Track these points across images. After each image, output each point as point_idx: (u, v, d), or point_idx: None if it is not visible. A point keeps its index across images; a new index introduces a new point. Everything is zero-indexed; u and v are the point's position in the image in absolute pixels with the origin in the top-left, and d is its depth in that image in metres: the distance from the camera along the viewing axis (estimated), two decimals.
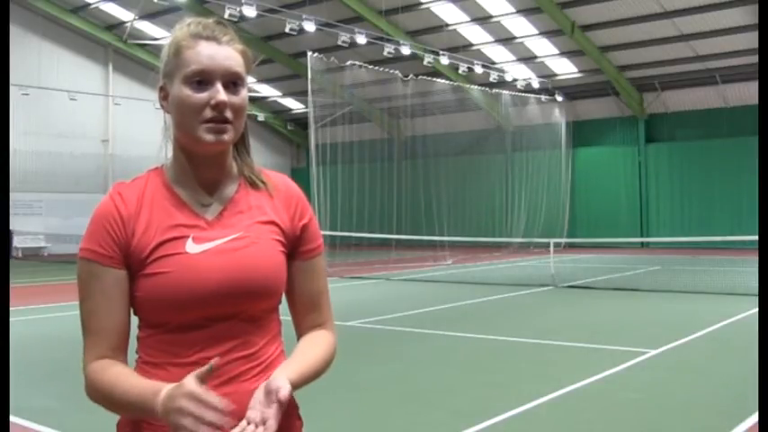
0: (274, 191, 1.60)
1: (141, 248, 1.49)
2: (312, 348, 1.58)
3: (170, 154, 1.59)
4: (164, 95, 1.54)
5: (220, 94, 1.47)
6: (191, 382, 1.30)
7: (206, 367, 1.32)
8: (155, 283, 1.47)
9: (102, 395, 1.45)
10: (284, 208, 1.60)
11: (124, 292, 1.50)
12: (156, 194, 1.54)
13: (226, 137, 1.48)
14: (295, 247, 1.61)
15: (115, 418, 1.59)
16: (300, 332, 1.65)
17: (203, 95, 1.47)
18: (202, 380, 1.31)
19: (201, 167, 1.54)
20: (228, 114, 1.48)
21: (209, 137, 1.47)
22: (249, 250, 1.51)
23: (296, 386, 1.45)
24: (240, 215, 1.55)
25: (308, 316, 1.64)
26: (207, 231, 1.52)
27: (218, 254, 1.49)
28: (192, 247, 1.49)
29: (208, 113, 1.46)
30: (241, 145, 1.61)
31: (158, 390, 1.35)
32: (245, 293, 1.50)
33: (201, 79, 1.47)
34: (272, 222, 1.57)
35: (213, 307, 1.48)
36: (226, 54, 1.50)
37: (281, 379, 1.40)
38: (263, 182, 1.60)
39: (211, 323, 1.49)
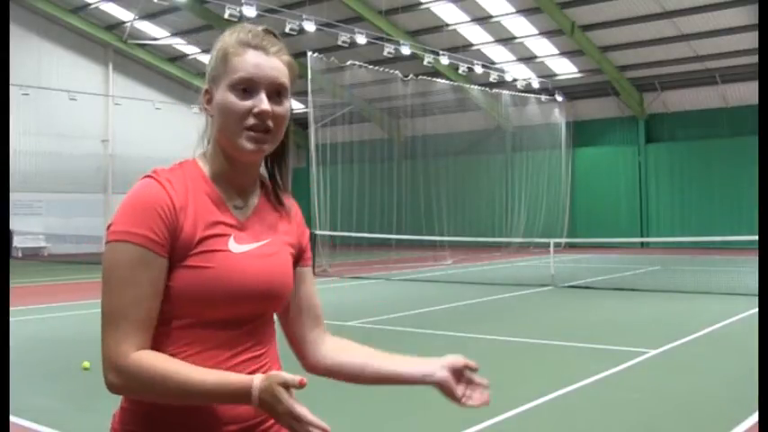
0: (287, 209, 1.69)
1: (188, 241, 1.48)
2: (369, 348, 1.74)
3: (199, 152, 1.61)
4: (207, 99, 1.56)
5: (264, 103, 1.49)
6: (286, 396, 1.36)
7: (294, 380, 1.36)
8: (196, 276, 1.47)
9: (159, 384, 1.40)
10: (294, 223, 1.69)
11: (164, 281, 1.47)
12: (198, 188, 1.54)
13: (265, 146, 1.53)
14: (299, 257, 1.70)
15: None
16: (309, 339, 1.71)
17: (247, 103, 1.50)
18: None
19: (237, 172, 1.58)
20: (270, 124, 1.51)
21: (250, 145, 1.50)
22: (276, 258, 1.59)
23: None
24: (266, 224, 1.61)
25: (315, 322, 1.72)
26: (244, 233, 1.56)
27: (255, 257, 1.55)
28: (234, 246, 1.53)
29: (250, 121, 1.49)
30: (280, 159, 1.66)
31: (249, 378, 1.38)
32: (272, 296, 1.57)
33: (247, 87, 1.50)
34: (287, 233, 1.65)
35: (244, 306, 1.52)
36: (272, 65, 1.52)
37: (446, 360, 1.63)
38: (282, 202, 1.66)
39: (238, 321, 1.53)
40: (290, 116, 1.57)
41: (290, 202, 1.70)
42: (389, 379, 1.68)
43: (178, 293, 1.47)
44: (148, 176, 1.51)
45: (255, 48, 1.52)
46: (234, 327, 1.52)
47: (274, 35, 1.57)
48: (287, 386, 1.34)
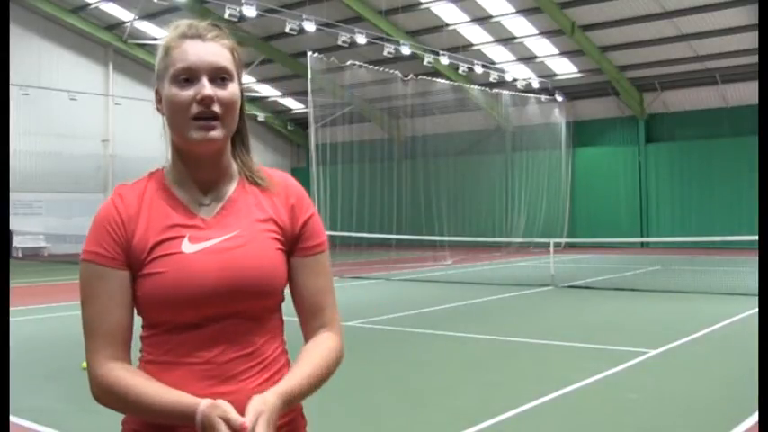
0: (273, 188, 1.60)
1: (140, 249, 1.50)
2: (310, 358, 1.55)
3: (170, 157, 1.59)
4: (158, 98, 1.55)
5: (205, 88, 1.48)
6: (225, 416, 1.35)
7: (237, 421, 1.35)
8: (152, 283, 1.48)
9: (121, 398, 1.46)
10: (283, 205, 1.60)
11: (128, 293, 1.51)
12: (155, 196, 1.55)
13: (214, 133, 1.49)
14: (294, 243, 1.60)
15: (116, 419, 1.59)
16: (306, 331, 1.64)
17: (190, 92, 1.48)
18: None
19: (198, 168, 1.55)
20: (216, 109, 1.48)
21: (198, 134, 1.48)
22: (245, 249, 1.52)
23: (290, 400, 1.47)
24: (237, 214, 1.56)
25: (311, 315, 1.63)
26: (203, 231, 1.53)
27: (213, 253, 1.50)
28: (187, 246, 1.50)
29: (195, 109, 1.48)
30: (240, 144, 1.62)
31: (195, 403, 1.39)
32: (240, 292, 1.50)
33: (188, 77, 1.49)
34: (270, 220, 1.57)
35: (209, 306, 1.49)
36: (211, 50, 1.51)
37: (267, 399, 1.41)
38: (261, 179, 1.60)
39: (209, 322, 1.49)
40: (240, 100, 1.53)
41: (283, 184, 1.63)
42: None
43: (144, 302, 1.50)
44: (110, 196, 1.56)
45: (192, 37, 1.52)
46: (209, 328, 1.49)
47: (217, 26, 1.56)
48: (228, 422, 1.34)
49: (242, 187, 1.59)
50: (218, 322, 1.50)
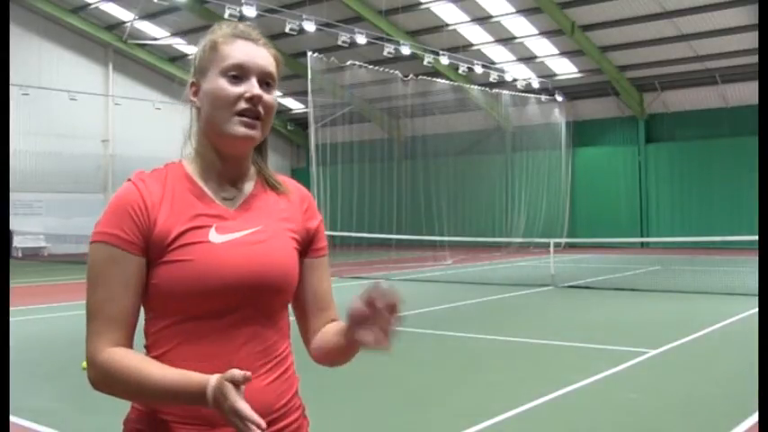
0: (288, 192, 1.65)
1: (163, 236, 1.48)
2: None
3: (186, 151, 1.60)
4: (194, 91, 1.56)
5: (256, 87, 1.51)
6: (234, 395, 1.30)
7: (242, 374, 1.31)
8: (176, 271, 1.47)
9: (123, 380, 1.41)
10: (298, 208, 1.64)
11: (142, 280, 1.49)
12: (178, 185, 1.55)
13: (255, 132, 1.52)
14: (307, 245, 1.65)
15: (117, 419, 1.59)
16: (312, 329, 1.66)
17: (239, 88, 1.51)
18: (238, 386, 1.31)
19: (224, 163, 1.57)
20: (261, 110, 1.52)
21: (241, 129, 1.50)
22: (269, 244, 1.54)
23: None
24: (259, 210, 1.58)
25: (320, 312, 1.67)
26: (229, 222, 1.54)
27: (240, 245, 1.51)
28: (215, 236, 1.50)
29: (242, 105, 1.50)
30: (260, 150, 1.65)
31: (206, 378, 1.34)
32: (263, 286, 1.51)
33: (238, 74, 1.51)
34: (288, 220, 1.61)
35: (232, 298, 1.49)
36: (262, 54, 1.55)
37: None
38: (278, 183, 1.64)
39: (228, 314, 1.49)
40: (276, 107, 1.57)
41: (295, 189, 1.68)
42: (345, 346, 1.58)
43: (162, 290, 1.48)
44: (128, 180, 1.54)
45: (245, 38, 1.55)
46: (225, 321, 1.49)
47: (259, 31, 1.60)
48: (236, 383, 1.30)
49: (260, 187, 1.62)
50: (237, 315, 1.50)
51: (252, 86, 1.51)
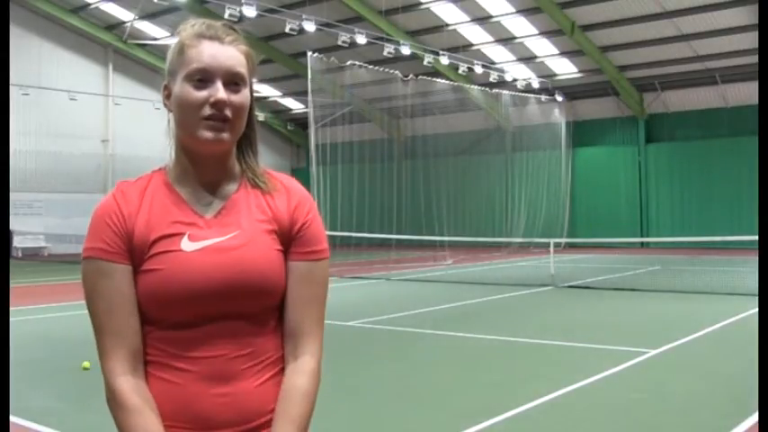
0: (275, 191, 1.60)
1: (141, 245, 1.49)
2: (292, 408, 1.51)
3: (173, 154, 1.59)
4: (167, 94, 1.55)
5: (220, 92, 1.48)
6: None
7: None
8: (150, 280, 1.48)
9: (120, 421, 1.46)
10: (284, 206, 1.59)
11: (133, 287, 1.50)
12: (157, 193, 1.55)
13: (224, 135, 1.49)
14: (288, 246, 1.58)
15: None
16: (285, 351, 1.57)
17: (203, 93, 1.48)
18: None
19: (203, 168, 1.55)
20: (228, 113, 1.48)
21: (208, 134, 1.48)
22: (244, 249, 1.51)
23: None
24: (238, 214, 1.55)
25: (289, 321, 1.56)
26: (204, 230, 1.52)
27: (212, 252, 1.50)
28: (187, 244, 1.50)
29: (207, 111, 1.47)
30: (247, 146, 1.62)
31: None
32: (239, 292, 1.49)
33: (202, 78, 1.49)
34: (270, 221, 1.56)
35: (206, 305, 1.48)
36: (228, 54, 1.51)
37: None
38: (264, 182, 1.60)
39: (206, 321, 1.49)
40: (249, 104, 1.54)
41: (285, 187, 1.61)
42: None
43: (142, 298, 1.49)
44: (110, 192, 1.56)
45: (210, 38, 1.52)
46: (207, 326, 1.48)
47: (233, 29, 1.56)
48: None
49: (244, 188, 1.59)
50: (216, 322, 1.49)
51: (216, 90, 1.48)
